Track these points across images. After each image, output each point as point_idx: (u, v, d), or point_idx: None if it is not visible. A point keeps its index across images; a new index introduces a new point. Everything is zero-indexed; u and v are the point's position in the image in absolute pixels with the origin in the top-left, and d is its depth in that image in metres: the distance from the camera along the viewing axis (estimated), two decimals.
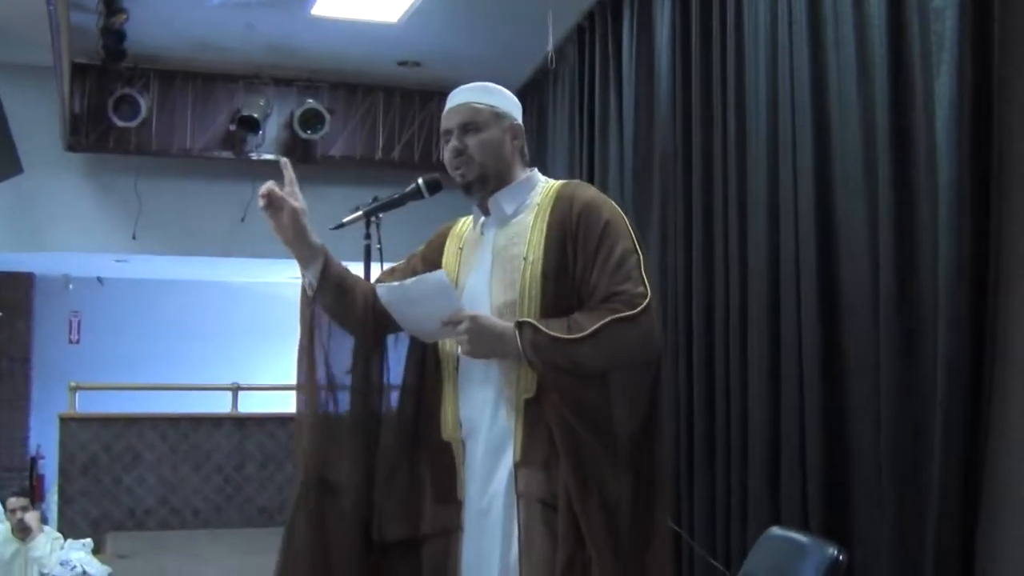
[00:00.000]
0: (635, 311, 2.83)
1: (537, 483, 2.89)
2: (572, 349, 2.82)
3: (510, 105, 3.17)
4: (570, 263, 2.94)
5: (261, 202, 3.07)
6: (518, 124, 3.16)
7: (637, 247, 2.94)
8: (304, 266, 3.09)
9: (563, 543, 2.82)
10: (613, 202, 3.06)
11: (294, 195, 3.10)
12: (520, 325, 2.87)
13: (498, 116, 3.11)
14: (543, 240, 2.98)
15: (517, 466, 2.91)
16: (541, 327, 2.85)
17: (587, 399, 2.84)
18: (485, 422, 2.99)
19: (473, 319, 2.91)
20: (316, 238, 3.07)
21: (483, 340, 2.91)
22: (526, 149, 3.19)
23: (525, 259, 2.98)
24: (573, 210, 2.98)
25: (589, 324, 2.82)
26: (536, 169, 3.20)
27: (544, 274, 2.95)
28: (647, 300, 2.85)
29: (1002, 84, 3.44)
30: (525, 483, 2.90)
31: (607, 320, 2.82)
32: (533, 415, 2.91)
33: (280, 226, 3.06)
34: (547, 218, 3.01)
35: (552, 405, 2.86)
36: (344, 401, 3.18)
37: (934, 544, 3.51)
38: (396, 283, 3.01)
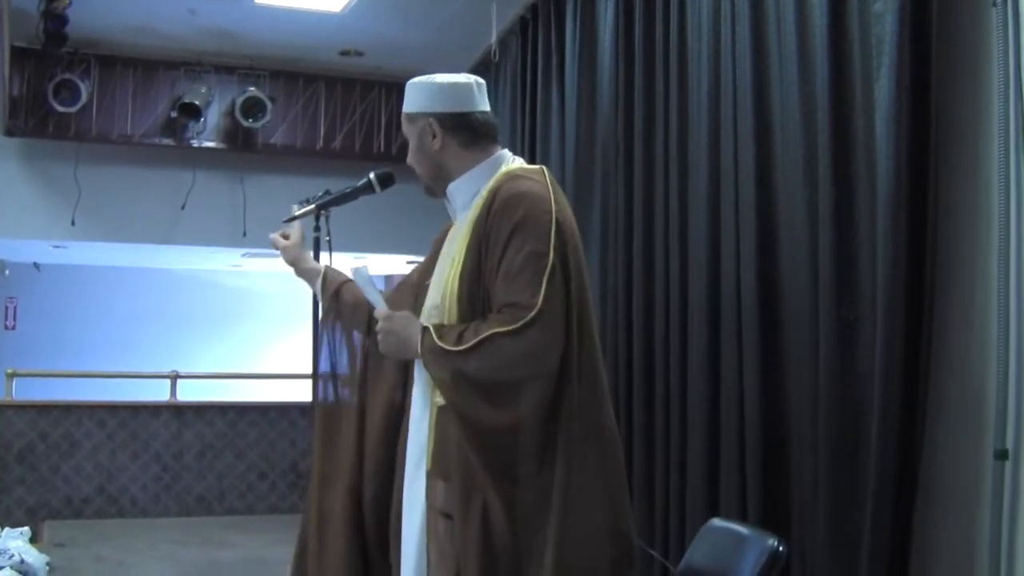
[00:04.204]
0: (518, 325, 2.66)
1: (442, 494, 2.84)
2: (457, 361, 2.71)
3: (423, 99, 3.04)
4: (484, 266, 2.83)
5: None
6: (436, 116, 3.01)
7: (551, 250, 2.75)
8: (309, 283, 3.41)
9: (451, 558, 2.79)
10: (542, 195, 2.86)
11: (286, 237, 3.43)
12: (424, 330, 2.82)
13: (411, 120, 3.07)
14: (467, 241, 2.90)
15: (429, 475, 2.88)
16: (434, 335, 2.77)
17: (471, 413, 2.72)
18: (415, 425, 2.96)
19: (387, 318, 2.93)
20: (313, 263, 3.41)
21: (390, 341, 2.93)
22: (474, 131, 3.02)
23: (453, 260, 2.93)
24: (492, 209, 2.84)
25: (476, 336, 2.71)
26: (504, 151, 3.07)
27: (461, 278, 2.87)
28: (534, 312, 2.67)
29: (940, 86, 3.51)
30: (432, 493, 2.87)
31: (490, 333, 2.69)
32: (444, 423, 2.84)
33: (286, 261, 3.45)
34: (475, 215, 2.91)
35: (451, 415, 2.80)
36: (343, 392, 3.25)
37: (871, 532, 3.56)
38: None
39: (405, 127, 3.09)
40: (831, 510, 3.84)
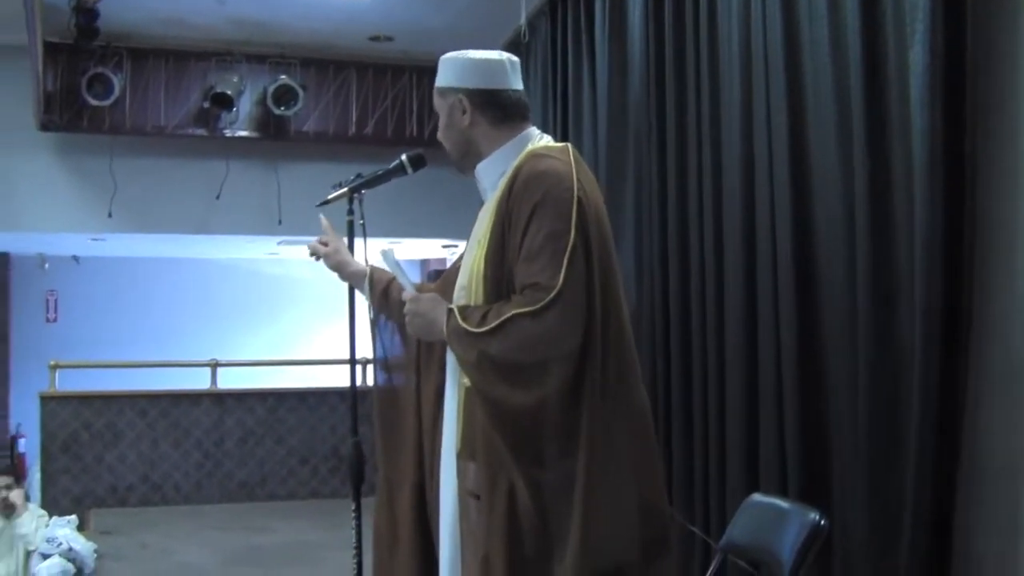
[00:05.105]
0: (538, 306, 2.64)
1: (472, 475, 2.85)
2: (480, 342, 2.69)
3: (455, 74, 3.02)
4: (507, 246, 2.81)
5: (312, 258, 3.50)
6: (467, 92, 3.00)
7: (572, 229, 2.71)
8: (357, 287, 3.40)
9: (481, 539, 2.79)
10: (564, 174, 2.82)
11: (326, 243, 3.44)
12: (449, 311, 2.81)
13: (441, 95, 3.05)
14: (492, 220, 2.87)
15: (459, 456, 2.89)
16: (458, 316, 2.76)
17: (494, 394, 2.70)
18: (447, 407, 2.97)
19: (413, 300, 2.93)
20: (357, 265, 3.40)
21: (416, 322, 2.93)
22: (504, 109, 3.01)
23: (479, 241, 2.91)
24: (514, 188, 2.81)
25: (497, 317, 2.69)
26: (531, 128, 3.05)
27: (486, 258, 2.86)
28: (554, 293, 2.64)
29: (975, 51, 3.47)
30: (463, 474, 2.88)
31: (511, 314, 2.67)
32: (471, 405, 2.84)
33: (329, 267, 3.45)
34: (499, 195, 2.89)
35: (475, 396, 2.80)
36: (398, 378, 3.28)
37: (913, 504, 3.55)
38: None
39: (437, 102, 3.07)
40: (872, 482, 3.83)
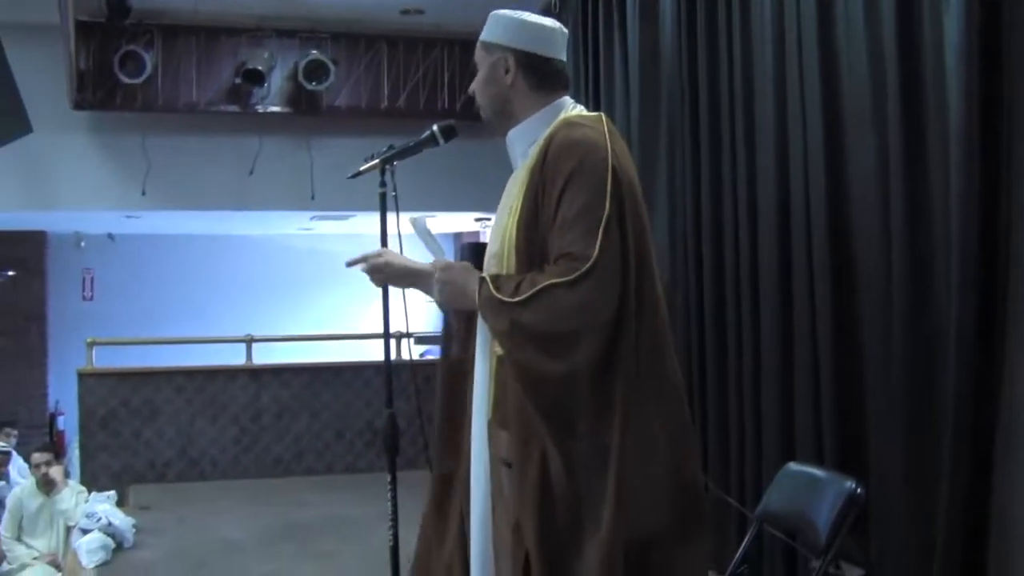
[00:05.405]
0: (573, 276, 2.62)
1: (504, 443, 2.83)
2: (514, 311, 2.68)
3: (506, 32, 2.99)
4: (540, 215, 2.78)
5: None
6: (511, 53, 2.96)
7: (607, 199, 2.69)
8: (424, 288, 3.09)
9: (511, 506, 2.78)
10: (599, 143, 2.78)
11: (369, 260, 3.14)
12: (481, 280, 2.79)
13: (487, 49, 3.01)
14: (524, 188, 2.85)
15: (489, 424, 2.88)
16: (492, 286, 2.74)
17: (527, 363, 2.68)
18: (478, 376, 2.94)
19: (445, 268, 2.91)
20: (417, 265, 3.06)
21: (448, 291, 2.90)
22: (547, 76, 2.98)
23: (511, 208, 2.89)
24: (548, 156, 2.78)
25: (532, 287, 2.67)
26: (565, 97, 3.01)
27: (519, 226, 2.83)
28: (589, 263, 2.62)
29: (1012, 15, 3.43)
30: (494, 443, 2.87)
31: (545, 284, 2.65)
32: (503, 373, 2.83)
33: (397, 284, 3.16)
34: (532, 163, 2.85)
35: (507, 366, 2.78)
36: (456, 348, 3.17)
37: (950, 470, 3.54)
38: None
39: (478, 54, 3.04)
40: (908, 450, 3.82)
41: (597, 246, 2.64)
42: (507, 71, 2.97)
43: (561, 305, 2.64)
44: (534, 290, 2.66)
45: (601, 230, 2.66)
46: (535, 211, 2.80)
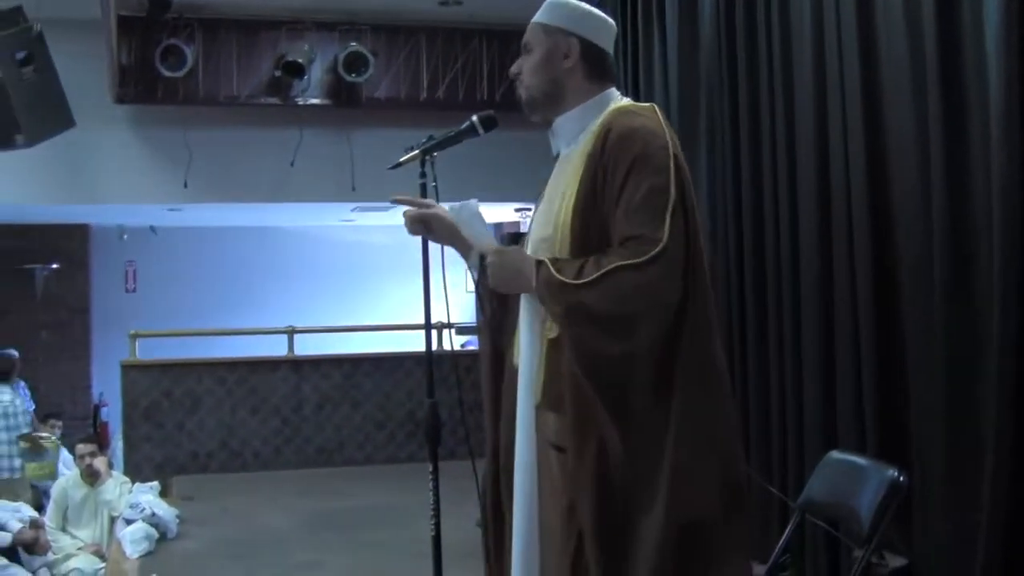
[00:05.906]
0: (643, 259, 2.63)
1: (553, 427, 2.85)
2: (579, 293, 2.67)
3: (569, 18, 3.00)
4: (600, 200, 2.79)
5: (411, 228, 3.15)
6: (575, 39, 2.96)
7: (672, 185, 2.71)
8: (465, 258, 3.12)
9: (565, 489, 2.78)
10: (658, 131, 2.80)
11: (422, 205, 3.13)
12: (539, 264, 2.78)
13: (547, 32, 3.00)
14: (580, 174, 2.85)
15: (538, 407, 2.88)
16: (553, 268, 2.74)
17: (589, 345, 2.69)
18: (525, 357, 2.93)
19: (498, 252, 2.92)
20: (464, 232, 3.07)
21: (501, 275, 2.90)
22: (602, 67, 3.00)
23: (563, 194, 2.90)
24: (608, 142, 2.79)
25: (597, 269, 2.67)
26: (612, 89, 3.03)
27: (575, 210, 2.84)
28: (660, 247, 2.64)
29: None
30: (542, 426, 2.87)
31: (612, 267, 2.65)
32: (555, 356, 2.82)
33: (435, 238, 3.15)
34: (588, 149, 2.85)
35: (567, 348, 2.76)
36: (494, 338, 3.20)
37: (993, 459, 3.52)
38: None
39: (535, 36, 3.02)
40: (950, 438, 3.79)
41: (666, 229, 2.67)
42: (567, 56, 2.97)
43: (629, 286, 2.65)
44: (601, 271, 2.67)
45: (669, 214, 2.68)
46: (593, 196, 2.81)
